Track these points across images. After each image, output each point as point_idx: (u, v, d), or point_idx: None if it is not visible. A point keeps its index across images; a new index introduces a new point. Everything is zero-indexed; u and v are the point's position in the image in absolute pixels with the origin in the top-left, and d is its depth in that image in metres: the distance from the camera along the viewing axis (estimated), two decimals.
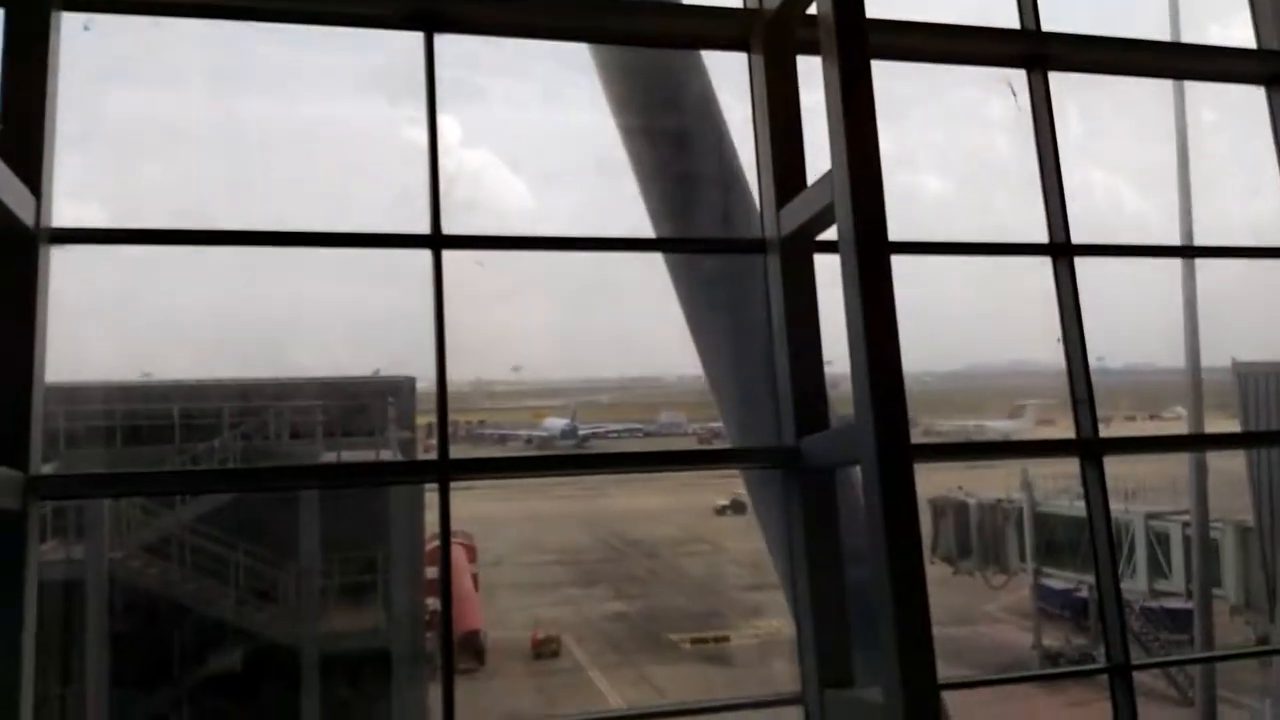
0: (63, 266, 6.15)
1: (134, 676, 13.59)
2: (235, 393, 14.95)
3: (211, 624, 13.99)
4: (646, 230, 8.44)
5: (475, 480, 8.25)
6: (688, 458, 9.02)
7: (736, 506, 40.56)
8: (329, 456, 14.01)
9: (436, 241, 6.89)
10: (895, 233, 6.00)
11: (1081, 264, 8.29)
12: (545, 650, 27.98)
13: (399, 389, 14.79)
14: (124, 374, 16.13)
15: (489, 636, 28.02)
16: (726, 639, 29.43)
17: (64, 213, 6.20)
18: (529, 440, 44.84)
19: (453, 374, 6.79)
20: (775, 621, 27.70)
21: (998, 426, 42.25)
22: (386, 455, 13.99)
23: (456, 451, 6.87)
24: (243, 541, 13.99)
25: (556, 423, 47.10)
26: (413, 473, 10.14)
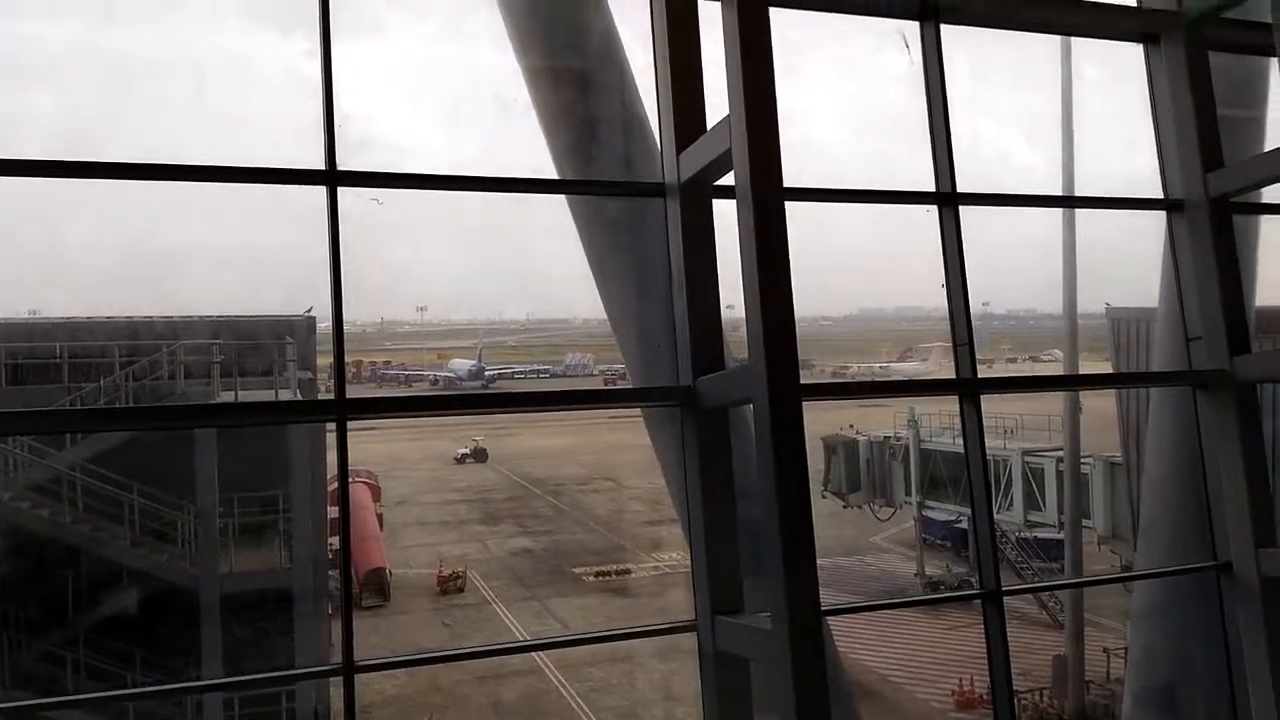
0: None
1: (24, 619, 13.18)
2: (124, 331, 14.37)
3: (106, 565, 13.60)
4: (549, 171, 8.39)
5: (374, 419, 8.17)
6: (585, 397, 9.04)
7: (478, 455, 40.24)
8: (226, 397, 13.62)
9: (332, 178, 6.72)
10: (790, 180, 6.10)
11: (971, 215, 8.55)
12: (450, 586, 28.12)
13: (297, 328, 14.40)
14: (6, 310, 15.36)
15: (394, 574, 28.03)
16: (628, 571, 30.04)
17: None
18: (435, 381, 44.35)
19: (356, 314, 6.70)
20: (674, 554, 28.39)
21: (903, 368, 43.45)
22: (286, 395, 13.68)
23: (362, 392, 6.80)
24: (137, 482, 13.58)
25: (463, 364, 46.65)
26: (310, 412, 9.96)
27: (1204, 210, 9.14)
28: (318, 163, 6.74)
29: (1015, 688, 10.41)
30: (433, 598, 27.78)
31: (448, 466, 40.35)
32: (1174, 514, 9.93)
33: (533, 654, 23.75)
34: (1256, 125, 10.19)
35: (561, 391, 9.36)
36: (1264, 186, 9.50)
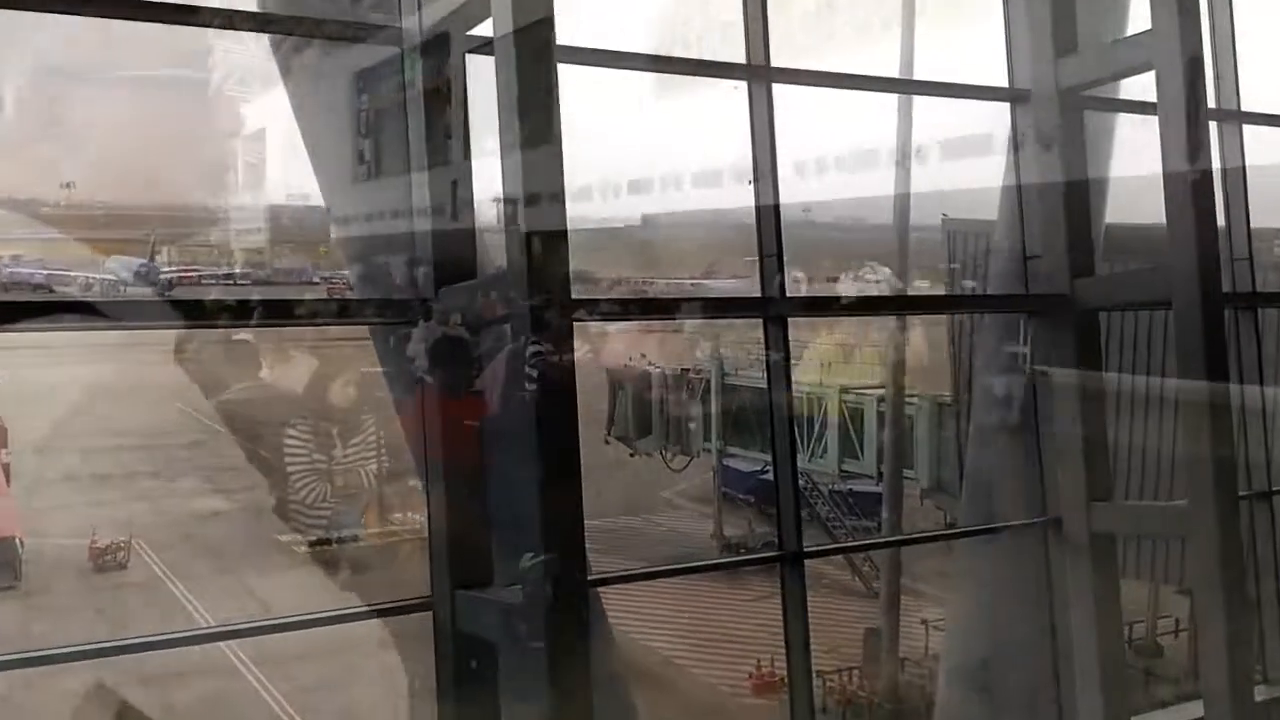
0: None
1: None
2: None
3: None
4: (250, 4, 7.97)
5: None
6: (290, 311, 8.66)
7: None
8: None
9: None
10: (565, 39, 6.06)
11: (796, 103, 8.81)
12: (109, 562, 26.88)
13: None
14: None
15: (28, 545, 26.47)
16: (354, 539, 29.69)
17: None
18: (87, 285, 41.54)
19: None
20: (412, 515, 28.33)
21: (719, 286, 43.91)
22: None
23: None
24: None
25: (128, 262, 43.81)
26: None
27: (1053, 103, 9.72)
28: None
29: (820, 668, 11.13)
30: (83, 575, 26.49)
31: (101, 398, 37.93)
32: (1001, 463, 10.81)
33: (220, 646, 23.13)
34: (1119, 4, 10.74)
35: (253, 301, 8.69)
36: (1124, 77, 10.06)
